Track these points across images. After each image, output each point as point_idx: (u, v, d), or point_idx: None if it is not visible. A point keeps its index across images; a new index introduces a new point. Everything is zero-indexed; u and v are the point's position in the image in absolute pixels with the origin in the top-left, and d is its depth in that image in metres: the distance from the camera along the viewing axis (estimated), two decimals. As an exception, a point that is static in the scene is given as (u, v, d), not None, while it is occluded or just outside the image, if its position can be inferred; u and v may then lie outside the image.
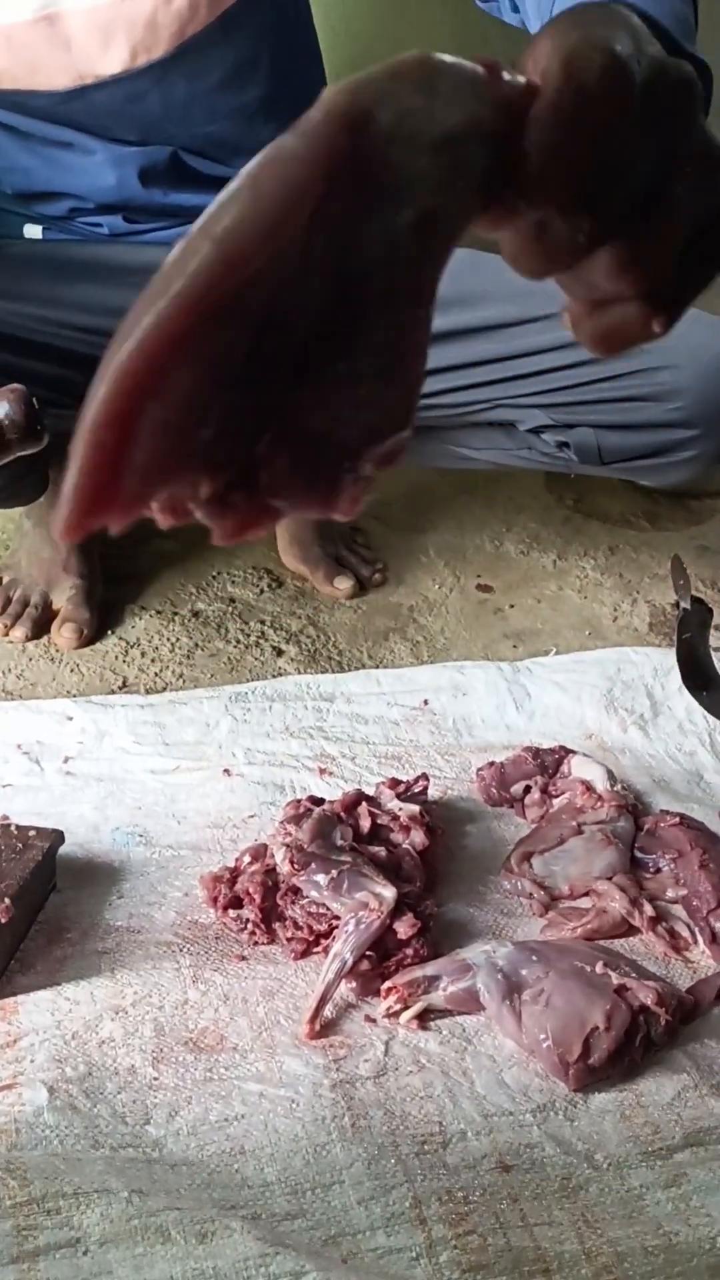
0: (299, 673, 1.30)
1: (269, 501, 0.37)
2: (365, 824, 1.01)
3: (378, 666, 1.32)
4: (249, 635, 1.36)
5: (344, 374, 0.36)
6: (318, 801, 1.03)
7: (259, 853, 0.99)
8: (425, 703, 1.24)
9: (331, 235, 0.34)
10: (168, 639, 1.35)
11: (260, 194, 0.33)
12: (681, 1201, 0.78)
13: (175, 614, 1.38)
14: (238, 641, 1.35)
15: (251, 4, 1.08)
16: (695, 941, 0.98)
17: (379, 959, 0.92)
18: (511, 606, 1.44)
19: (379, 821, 1.02)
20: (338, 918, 0.93)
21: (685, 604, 1.22)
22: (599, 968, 0.90)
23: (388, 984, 0.91)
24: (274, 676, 1.28)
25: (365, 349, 0.36)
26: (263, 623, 1.38)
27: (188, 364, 0.33)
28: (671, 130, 0.39)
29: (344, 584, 1.42)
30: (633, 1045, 0.86)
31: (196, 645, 1.34)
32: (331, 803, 1.03)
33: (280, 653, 1.34)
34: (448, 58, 0.35)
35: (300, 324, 0.34)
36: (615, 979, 0.89)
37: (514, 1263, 0.73)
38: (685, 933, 0.99)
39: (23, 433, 0.78)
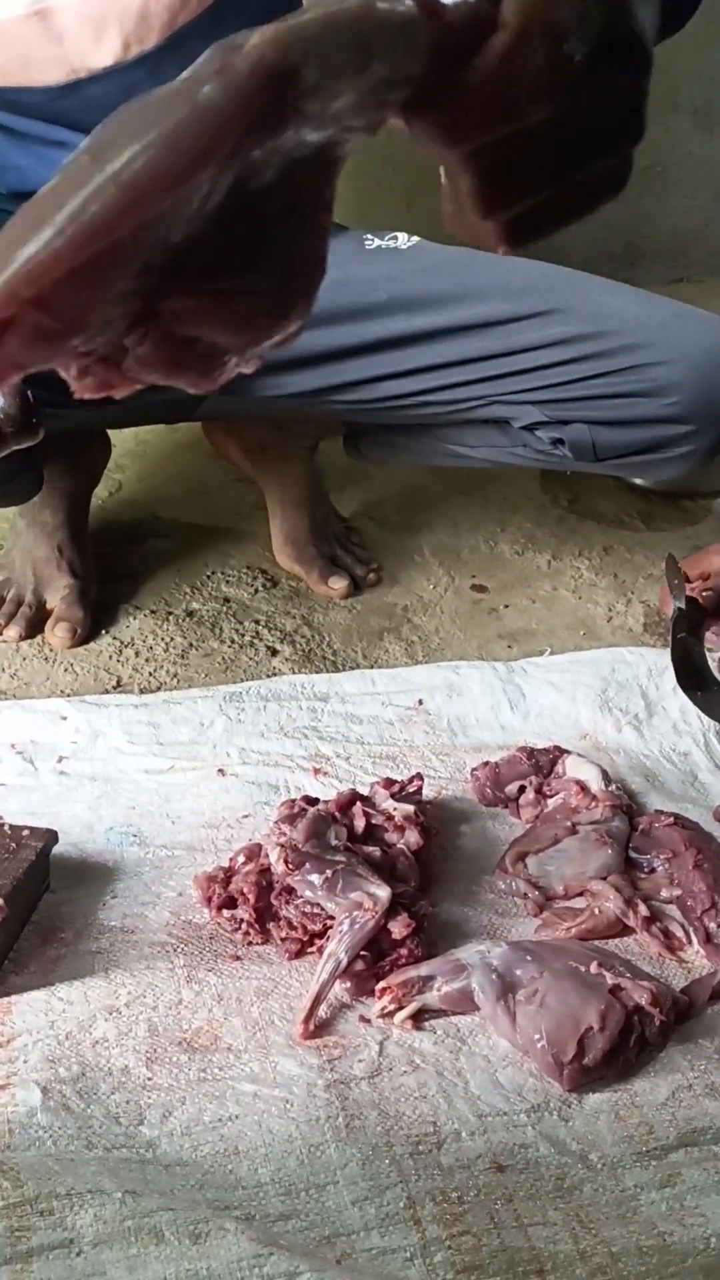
0: (294, 672, 1.29)
1: (130, 376, 0.37)
2: (360, 824, 1.00)
3: (372, 666, 1.32)
4: (243, 635, 1.36)
5: (233, 288, 0.36)
6: (312, 801, 1.03)
7: (253, 853, 0.99)
8: (420, 703, 1.24)
9: (235, 172, 0.34)
10: (162, 638, 1.34)
11: (174, 144, 0.33)
12: (676, 1202, 0.78)
13: (169, 613, 1.38)
14: (232, 641, 1.35)
15: None
16: (690, 941, 0.98)
17: (373, 959, 0.92)
18: (506, 607, 1.44)
19: (373, 821, 1.01)
20: (332, 918, 0.93)
21: (680, 604, 1.21)
22: (594, 968, 0.90)
23: (382, 984, 0.91)
24: (268, 676, 1.28)
25: (259, 262, 0.36)
26: (257, 622, 1.38)
27: (74, 290, 0.33)
28: (603, 108, 0.38)
29: (339, 584, 1.42)
30: (627, 1045, 0.86)
31: (191, 645, 1.34)
32: (326, 803, 1.02)
33: (275, 652, 1.33)
34: (385, 4, 0.35)
35: (191, 246, 0.35)
36: (610, 979, 0.89)
37: (508, 1263, 0.73)
38: (680, 933, 0.99)
39: (18, 426, 0.77)
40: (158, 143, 0.33)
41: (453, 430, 1.25)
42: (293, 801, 1.03)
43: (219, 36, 0.34)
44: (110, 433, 1.46)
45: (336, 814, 1.01)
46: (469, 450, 1.27)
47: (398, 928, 0.92)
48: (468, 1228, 0.75)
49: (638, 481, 1.62)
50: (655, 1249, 0.74)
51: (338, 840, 0.98)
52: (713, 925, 0.97)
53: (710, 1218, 0.77)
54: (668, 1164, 0.81)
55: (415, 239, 1.19)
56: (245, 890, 0.96)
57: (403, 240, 1.19)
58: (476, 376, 1.15)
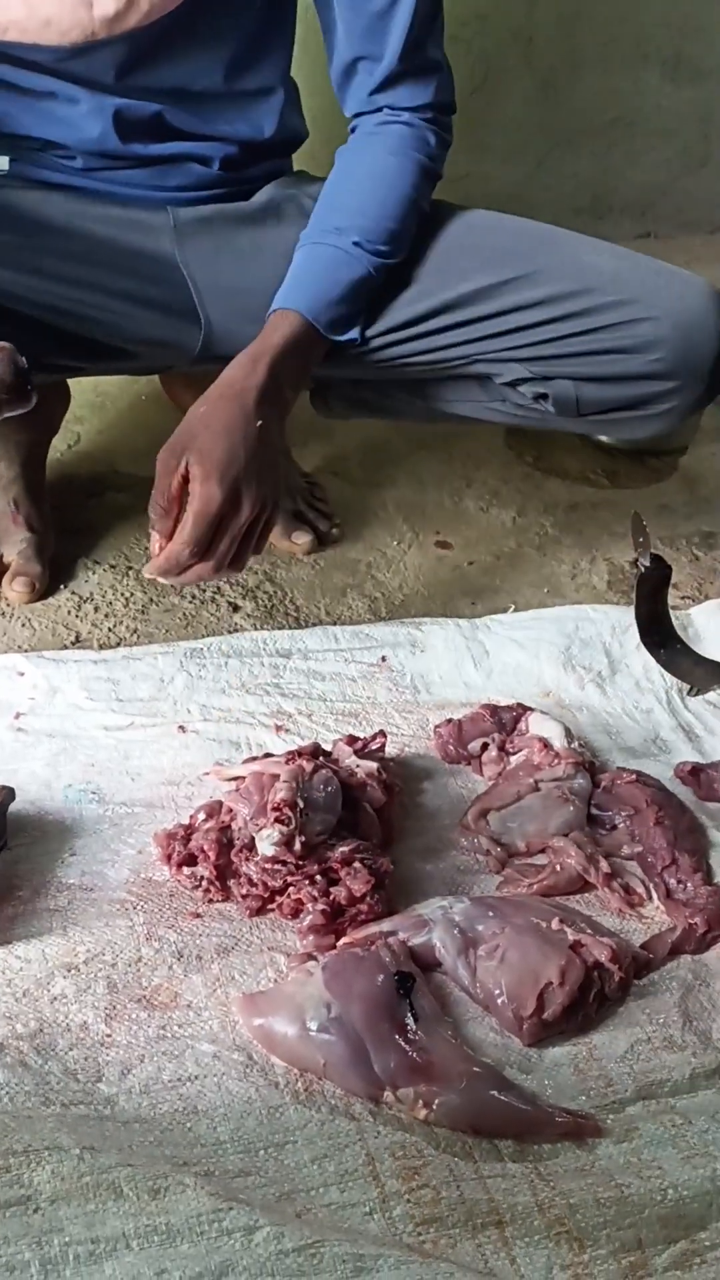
0: (255, 629, 1.28)
1: None
2: (321, 781, 1.00)
3: (335, 623, 1.31)
4: (204, 591, 1.34)
5: None
6: (273, 758, 1.02)
7: (214, 810, 0.98)
8: (383, 659, 1.23)
9: None
10: (121, 594, 1.33)
11: None
12: (634, 1155, 0.78)
13: (129, 568, 1.36)
14: (193, 597, 1.33)
15: None
16: (650, 897, 0.98)
17: (333, 916, 0.92)
18: (470, 563, 1.43)
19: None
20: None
21: (645, 562, 1.21)
22: (555, 924, 0.90)
23: (343, 940, 0.91)
24: (230, 632, 1.27)
25: None
26: (219, 578, 1.36)
27: None
28: None
29: (302, 539, 1.41)
30: (587, 1000, 0.87)
31: (151, 600, 1.32)
32: (287, 759, 1.02)
33: (236, 608, 1.32)
34: None
35: None
36: (570, 935, 0.89)
37: (467, 1215, 0.74)
38: (640, 889, 0.99)
39: (12, 393, 0.77)
40: None
41: (430, 386, 1.23)
42: (254, 758, 1.02)
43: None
44: (70, 383, 1.43)
45: (298, 771, 1.00)
46: (446, 406, 1.25)
47: (357, 884, 0.92)
48: (426, 1181, 0.76)
49: (604, 439, 1.61)
50: (613, 1200, 0.75)
51: (299, 797, 0.97)
52: (673, 881, 0.98)
53: (667, 1170, 0.77)
54: (625, 1117, 0.81)
55: None
56: (205, 847, 0.95)
57: None
58: (461, 339, 1.14)
